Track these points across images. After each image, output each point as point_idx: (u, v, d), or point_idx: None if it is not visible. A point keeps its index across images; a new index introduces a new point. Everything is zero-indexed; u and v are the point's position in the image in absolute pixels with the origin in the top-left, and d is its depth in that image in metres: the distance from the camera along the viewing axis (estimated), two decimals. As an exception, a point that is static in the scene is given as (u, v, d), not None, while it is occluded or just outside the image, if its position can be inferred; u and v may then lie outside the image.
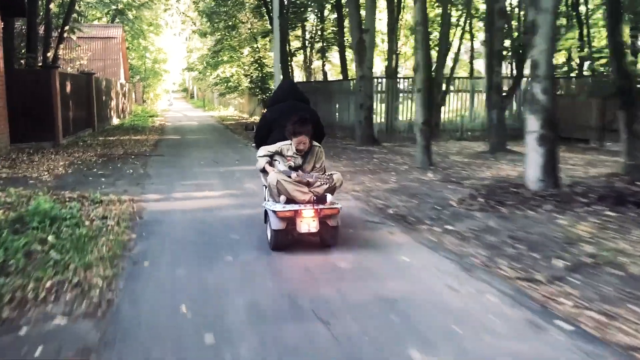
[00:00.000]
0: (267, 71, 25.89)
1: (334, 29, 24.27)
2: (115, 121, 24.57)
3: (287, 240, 4.78)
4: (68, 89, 15.42)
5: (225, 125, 23.78)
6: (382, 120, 15.76)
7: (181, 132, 20.12)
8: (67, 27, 22.15)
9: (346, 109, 17.76)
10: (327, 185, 4.74)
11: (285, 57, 21.93)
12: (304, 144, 4.87)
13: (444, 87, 15.72)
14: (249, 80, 27.38)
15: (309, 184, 4.75)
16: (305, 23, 25.79)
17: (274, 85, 25.26)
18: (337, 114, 18.67)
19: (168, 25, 44.90)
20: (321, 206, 4.62)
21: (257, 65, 26.09)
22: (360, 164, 10.49)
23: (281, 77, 18.32)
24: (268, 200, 4.93)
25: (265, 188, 5.12)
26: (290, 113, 4.99)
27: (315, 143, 5.06)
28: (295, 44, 25.99)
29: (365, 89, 13.15)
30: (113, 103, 24.61)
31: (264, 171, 5.07)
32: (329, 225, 4.74)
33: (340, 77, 31.30)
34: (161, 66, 42.88)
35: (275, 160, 5.03)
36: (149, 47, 42.36)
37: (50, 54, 20.34)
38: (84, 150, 12.59)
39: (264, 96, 25.64)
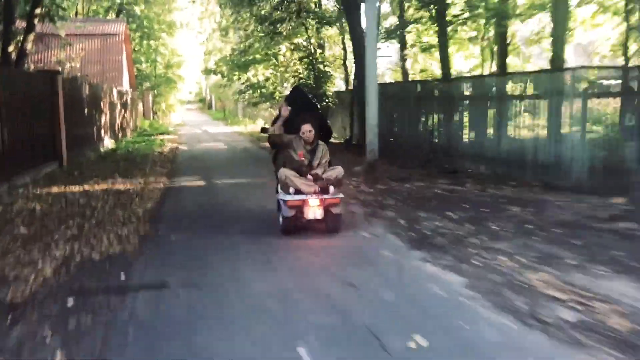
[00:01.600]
0: (322, 70, 18.21)
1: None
2: (108, 144, 17.03)
3: (296, 225, 5.54)
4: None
5: (269, 150, 16.03)
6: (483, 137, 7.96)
7: (205, 166, 12.40)
8: (38, 11, 14.42)
9: (485, 124, 10.08)
10: (331, 178, 5.57)
11: (360, 48, 14.32)
12: (309, 131, 5.74)
13: None
14: (295, 82, 19.73)
15: (317, 178, 5.56)
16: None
17: (351, 82, 17.73)
18: (462, 132, 10.92)
19: (183, 25, 37.76)
20: (325, 196, 5.44)
21: (307, 63, 18.41)
22: None
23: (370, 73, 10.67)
24: (280, 192, 5.66)
25: (277, 181, 5.83)
26: (299, 112, 5.88)
27: (320, 142, 5.96)
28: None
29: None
30: (105, 118, 17.08)
31: (275, 163, 6.20)
32: (333, 213, 5.51)
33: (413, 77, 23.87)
34: (175, 71, 35.50)
35: (288, 154, 5.88)
36: (160, 48, 35.03)
37: (13, 49, 12.90)
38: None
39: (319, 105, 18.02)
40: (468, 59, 25.46)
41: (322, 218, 5.47)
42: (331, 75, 18.61)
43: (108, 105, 17.83)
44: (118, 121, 19.90)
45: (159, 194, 8.04)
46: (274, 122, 6.16)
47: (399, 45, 18.41)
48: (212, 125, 33.39)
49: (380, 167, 10.14)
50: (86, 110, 14.44)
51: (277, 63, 22.68)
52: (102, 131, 16.66)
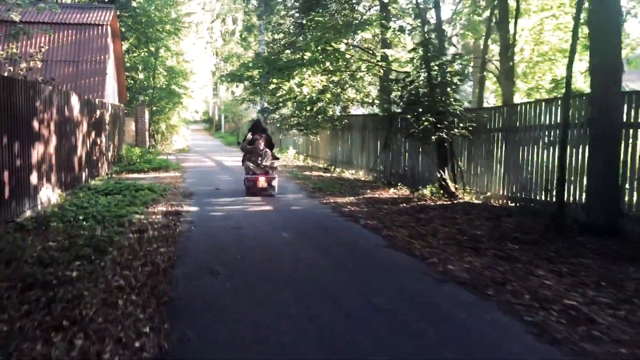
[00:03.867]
0: (449, 71, 9.96)
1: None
2: (51, 198, 8.80)
3: (253, 191, 10.72)
4: None
5: (383, 236, 7.54)
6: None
7: None
8: None
9: None
10: (271, 166, 11.17)
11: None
12: (259, 144, 11.19)
13: None
14: (393, 93, 11.59)
15: (263, 166, 11.05)
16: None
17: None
18: None
19: (192, 25, 29.86)
20: (267, 176, 10.78)
21: (422, 62, 10.18)
22: None
23: None
24: (245, 174, 11.13)
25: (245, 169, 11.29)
26: (256, 133, 11.50)
27: (266, 149, 11.29)
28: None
29: None
30: (44, 149, 8.88)
31: (243, 161, 11.49)
32: (271, 185, 10.75)
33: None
34: (180, 82, 27.37)
35: (250, 155, 11.21)
36: (163, 53, 26.99)
37: None
38: None
39: (439, 133, 9.67)
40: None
41: (266, 186, 10.72)
42: (462, 81, 10.34)
43: (55, 125, 9.60)
44: (81, 153, 11.65)
45: None
46: (244, 140, 11.78)
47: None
48: (226, 154, 25.11)
49: None
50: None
51: (337, 66, 14.56)
52: (35, 176, 8.40)
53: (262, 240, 6.76)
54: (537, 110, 8.62)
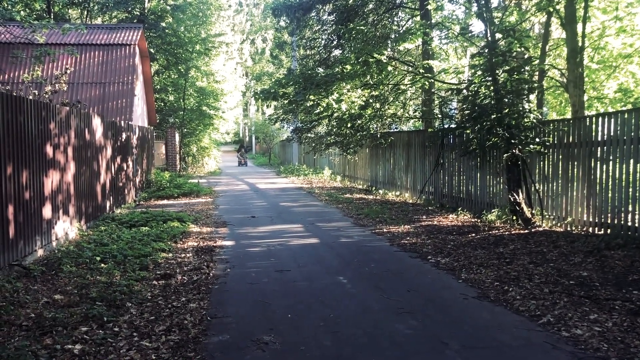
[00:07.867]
0: (519, 78, 8.54)
1: None
2: (69, 232, 7.70)
3: (240, 165, 33.48)
4: None
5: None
6: None
7: None
8: None
9: None
10: (246, 158, 34.91)
11: None
12: (243, 150, 35.26)
13: None
14: (441, 107, 10.29)
15: (243, 157, 34.27)
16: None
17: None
18: None
19: (222, 45, 29.10)
20: (245, 159, 33.83)
21: (485, 69, 8.81)
22: None
23: None
24: (238, 160, 34.40)
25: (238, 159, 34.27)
26: (242, 147, 36.96)
27: (245, 153, 35.40)
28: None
29: None
30: (56, 180, 7.83)
31: (237, 156, 35.32)
32: (245, 164, 33.49)
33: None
34: (212, 103, 26.50)
35: (239, 154, 34.51)
36: (194, 74, 26.22)
37: None
38: None
39: (512, 150, 8.23)
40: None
41: (244, 164, 33.00)
42: (531, 90, 8.89)
43: (73, 150, 8.56)
44: (104, 180, 10.60)
45: None
46: (238, 150, 36.41)
47: None
48: (258, 176, 24.04)
49: None
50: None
51: (379, 79, 13.31)
52: (49, 208, 7.33)
53: (316, 290, 5.42)
54: (635, 120, 7.14)
